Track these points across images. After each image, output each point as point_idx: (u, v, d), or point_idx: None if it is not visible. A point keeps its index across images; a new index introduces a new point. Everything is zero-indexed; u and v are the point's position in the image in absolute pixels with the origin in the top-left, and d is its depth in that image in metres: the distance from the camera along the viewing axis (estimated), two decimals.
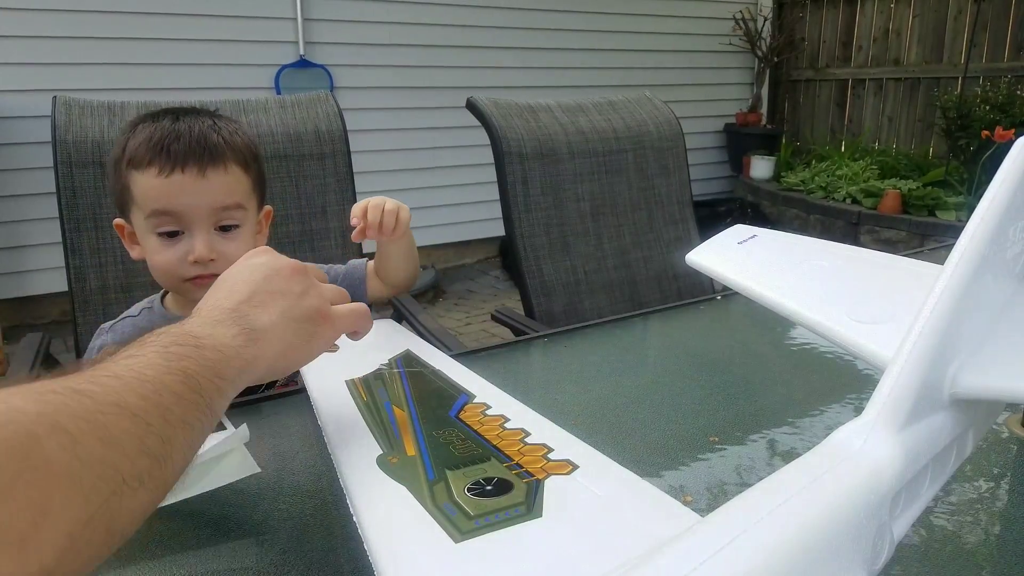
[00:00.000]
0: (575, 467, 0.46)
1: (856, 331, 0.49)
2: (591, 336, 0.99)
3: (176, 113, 0.89)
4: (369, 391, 0.60)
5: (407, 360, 0.66)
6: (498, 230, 1.52)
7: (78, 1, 3.05)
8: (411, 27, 3.81)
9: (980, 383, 0.40)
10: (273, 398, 0.78)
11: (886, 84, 4.90)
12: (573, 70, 4.33)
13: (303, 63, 3.56)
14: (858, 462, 0.34)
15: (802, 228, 4.37)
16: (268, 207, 0.98)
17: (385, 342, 0.72)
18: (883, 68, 4.90)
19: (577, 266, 1.53)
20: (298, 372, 0.97)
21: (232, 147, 0.88)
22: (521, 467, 0.46)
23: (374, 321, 0.85)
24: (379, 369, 0.65)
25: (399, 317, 1.38)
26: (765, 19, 5.07)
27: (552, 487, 0.44)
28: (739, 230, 0.65)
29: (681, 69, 4.79)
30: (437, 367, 0.64)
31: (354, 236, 0.91)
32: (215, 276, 0.89)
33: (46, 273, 2.99)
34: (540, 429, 0.51)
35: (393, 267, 1.01)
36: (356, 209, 0.91)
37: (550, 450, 0.48)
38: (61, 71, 3.03)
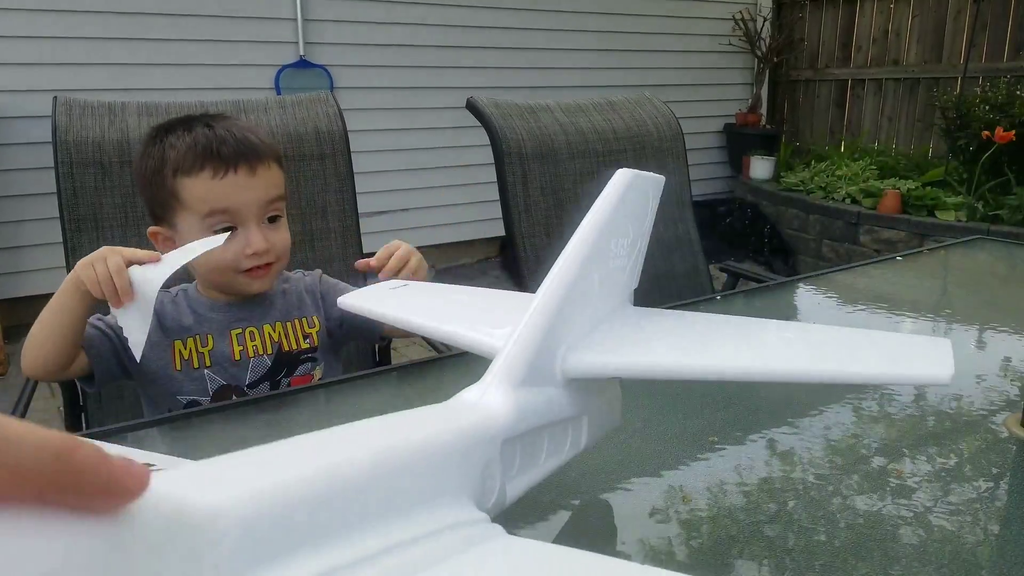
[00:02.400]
0: (152, 466, 0.45)
1: (481, 332, 0.55)
2: None
3: (204, 120, 0.94)
4: None
5: None
6: (498, 230, 1.52)
7: (78, 1, 3.05)
8: (411, 27, 3.81)
9: (584, 363, 0.47)
10: (285, 394, 0.78)
11: (885, 84, 4.90)
12: (573, 70, 4.33)
13: (303, 63, 3.56)
14: (472, 406, 0.41)
15: (801, 228, 4.37)
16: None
17: None
18: (882, 68, 4.90)
19: None
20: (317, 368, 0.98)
21: (267, 145, 0.95)
22: None
23: None
24: None
25: None
26: (764, 19, 5.06)
27: None
28: (391, 283, 0.76)
29: (681, 69, 4.79)
30: None
31: (359, 264, 0.98)
32: (269, 266, 0.94)
33: (46, 273, 2.98)
34: None
35: None
36: (382, 253, 0.95)
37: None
38: (61, 71, 3.03)
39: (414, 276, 0.93)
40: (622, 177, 0.52)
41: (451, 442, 0.36)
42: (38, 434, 0.19)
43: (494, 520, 0.36)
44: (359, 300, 0.70)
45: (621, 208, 0.52)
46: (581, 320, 0.49)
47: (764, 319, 0.56)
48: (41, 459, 0.19)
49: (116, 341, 0.90)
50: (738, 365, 0.48)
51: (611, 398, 0.56)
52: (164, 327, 0.94)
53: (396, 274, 0.92)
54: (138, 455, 0.45)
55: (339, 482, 0.29)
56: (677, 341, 0.53)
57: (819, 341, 0.52)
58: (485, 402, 0.41)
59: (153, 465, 0.42)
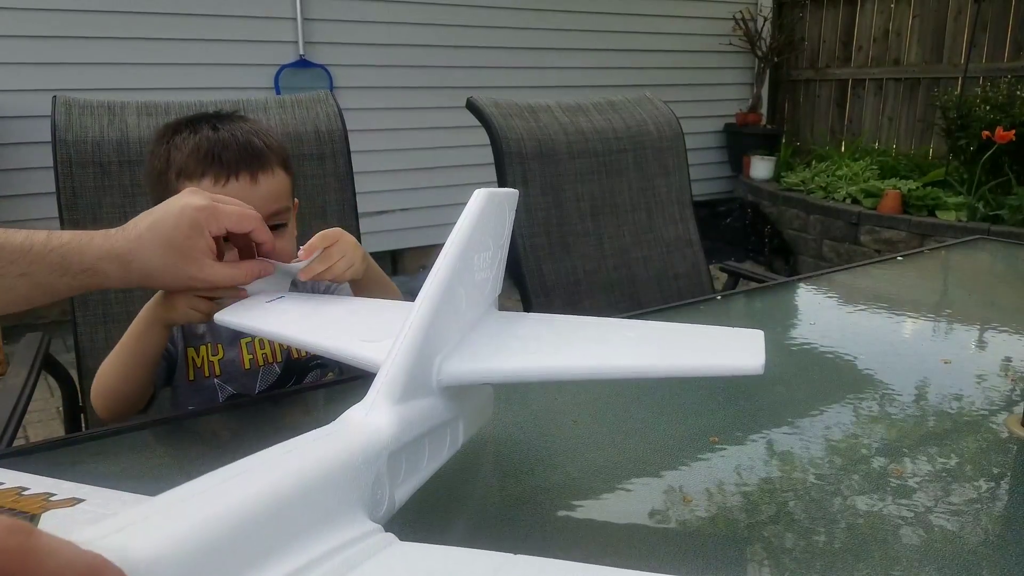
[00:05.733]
0: (80, 500, 0.43)
1: (361, 347, 0.57)
2: None
3: (211, 120, 0.91)
4: None
5: None
6: None
7: (78, 1, 3.05)
8: (411, 27, 3.81)
9: (457, 371, 0.51)
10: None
11: (886, 84, 4.89)
12: (573, 70, 4.33)
13: (303, 63, 3.56)
14: (359, 425, 0.43)
15: (802, 228, 4.37)
16: (296, 199, 1.00)
17: None
18: (883, 68, 4.90)
19: (577, 266, 1.53)
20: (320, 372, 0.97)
21: (273, 150, 0.91)
22: (14, 509, 0.42)
23: None
24: None
25: None
26: (765, 19, 5.06)
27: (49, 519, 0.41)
28: (267, 294, 0.76)
29: (681, 69, 4.79)
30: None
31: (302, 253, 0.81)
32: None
33: None
34: (73, 491, 0.46)
35: None
36: (315, 241, 0.81)
37: (52, 495, 0.44)
38: (61, 71, 3.03)
39: (339, 278, 0.82)
40: (479, 198, 0.57)
41: (342, 464, 0.39)
42: (74, 550, 0.24)
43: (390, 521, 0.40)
44: (235, 315, 0.69)
45: (480, 226, 0.56)
46: (452, 332, 0.53)
47: (613, 319, 0.63)
48: (75, 570, 0.24)
49: (168, 357, 0.91)
50: (587, 366, 0.55)
51: (483, 398, 0.60)
52: (182, 333, 0.93)
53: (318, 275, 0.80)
54: (67, 488, 0.45)
55: (243, 519, 0.32)
56: (537, 346, 0.58)
57: (656, 339, 0.59)
58: (370, 420, 0.44)
59: (83, 500, 0.43)
